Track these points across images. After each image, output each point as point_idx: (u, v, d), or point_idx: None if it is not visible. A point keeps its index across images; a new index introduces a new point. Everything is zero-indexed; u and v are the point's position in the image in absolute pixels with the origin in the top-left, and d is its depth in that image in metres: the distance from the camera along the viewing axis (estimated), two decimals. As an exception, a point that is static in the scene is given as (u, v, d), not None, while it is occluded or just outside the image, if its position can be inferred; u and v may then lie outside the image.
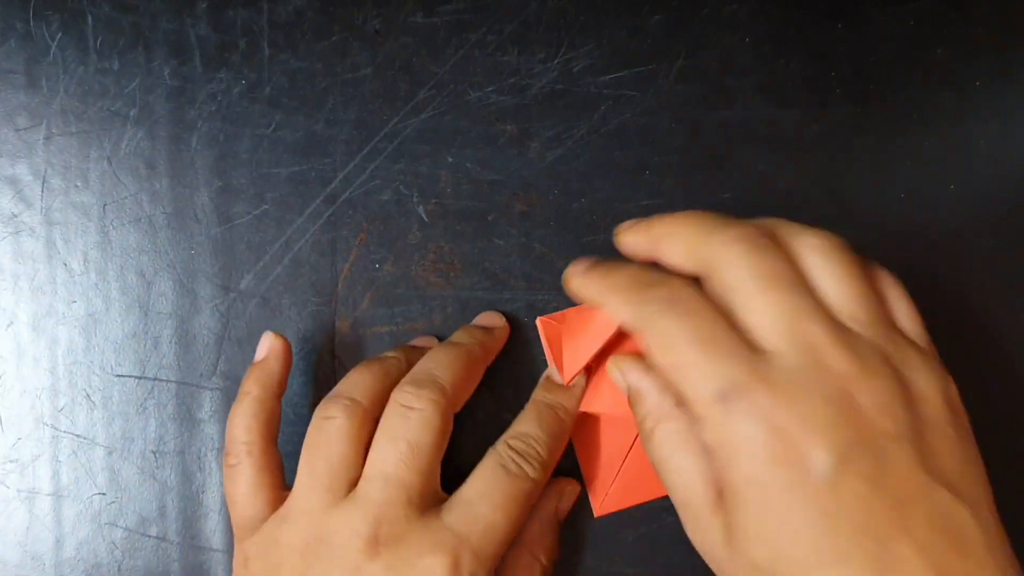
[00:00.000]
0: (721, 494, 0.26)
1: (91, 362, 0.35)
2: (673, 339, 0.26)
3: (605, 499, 0.34)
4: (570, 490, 0.34)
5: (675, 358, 0.26)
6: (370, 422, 0.31)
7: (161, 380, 0.35)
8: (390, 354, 0.33)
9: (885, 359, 0.25)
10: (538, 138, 0.36)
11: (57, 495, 0.35)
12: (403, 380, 0.31)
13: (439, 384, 0.31)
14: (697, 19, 0.36)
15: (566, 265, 0.35)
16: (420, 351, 0.34)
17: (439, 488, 0.31)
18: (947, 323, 0.36)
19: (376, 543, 0.28)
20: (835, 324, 0.25)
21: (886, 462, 0.24)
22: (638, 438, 0.34)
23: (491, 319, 0.35)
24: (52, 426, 0.35)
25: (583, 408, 0.34)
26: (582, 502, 0.35)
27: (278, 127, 0.36)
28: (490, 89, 0.36)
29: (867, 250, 0.36)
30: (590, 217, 0.36)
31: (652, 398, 0.29)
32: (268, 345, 0.33)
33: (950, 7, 0.36)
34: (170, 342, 0.35)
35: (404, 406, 0.30)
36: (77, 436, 0.35)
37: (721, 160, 0.36)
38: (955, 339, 0.36)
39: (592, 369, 0.34)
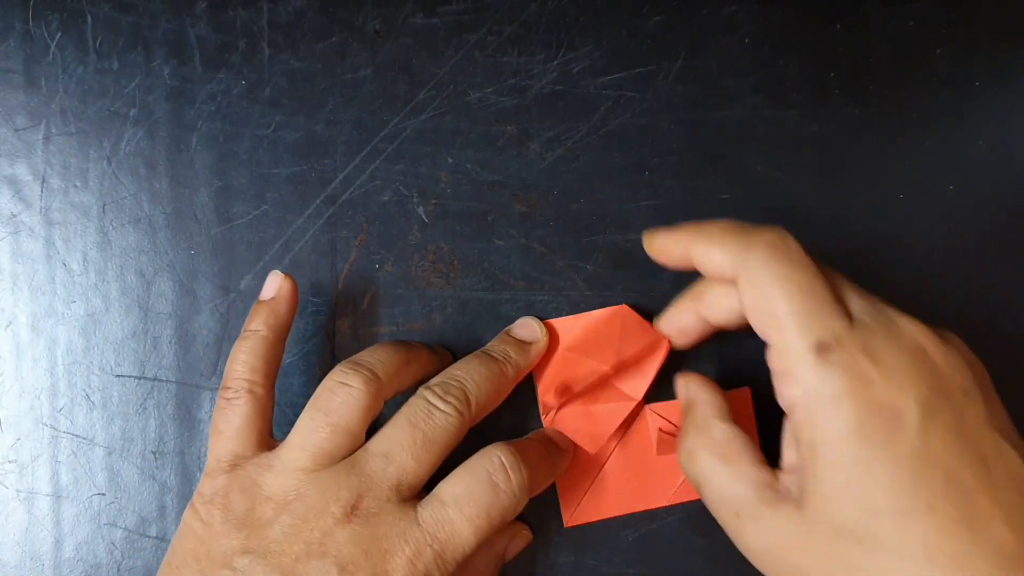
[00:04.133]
0: (773, 487, 0.27)
1: (91, 362, 0.35)
2: (775, 288, 0.26)
3: (576, 510, 0.35)
4: (523, 535, 0.35)
5: (775, 306, 0.26)
6: (382, 400, 0.31)
7: (161, 380, 0.35)
8: (417, 343, 0.34)
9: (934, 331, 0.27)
10: (538, 139, 0.36)
11: (56, 495, 0.35)
12: (435, 380, 0.32)
13: (468, 398, 0.31)
14: (697, 20, 0.36)
15: (566, 265, 0.35)
16: (439, 356, 0.34)
17: (424, 486, 0.31)
18: (947, 323, 0.36)
19: (352, 513, 0.28)
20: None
21: (964, 416, 0.25)
22: (614, 452, 0.34)
23: (531, 331, 0.34)
24: (51, 426, 0.35)
25: (560, 425, 0.34)
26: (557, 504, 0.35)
27: (278, 127, 0.36)
28: (490, 90, 0.36)
29: (867, 250, 0.36)
30: (590, 217, 0.36)
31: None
32: (277, 285, 0.32)
33: (950, 7, 0.36)
34: (170, 342, 0.35)
35: (430, 402, 0.30)
36: (76, 436, 0.35)
37: (720, 160, 0.36)
38: (955, 339, 0.36)
39: (575, 389, 0.34)
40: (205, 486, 0.30)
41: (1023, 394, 0.36)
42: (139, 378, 0.35)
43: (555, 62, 0.36)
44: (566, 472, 0.34)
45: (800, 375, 0.25)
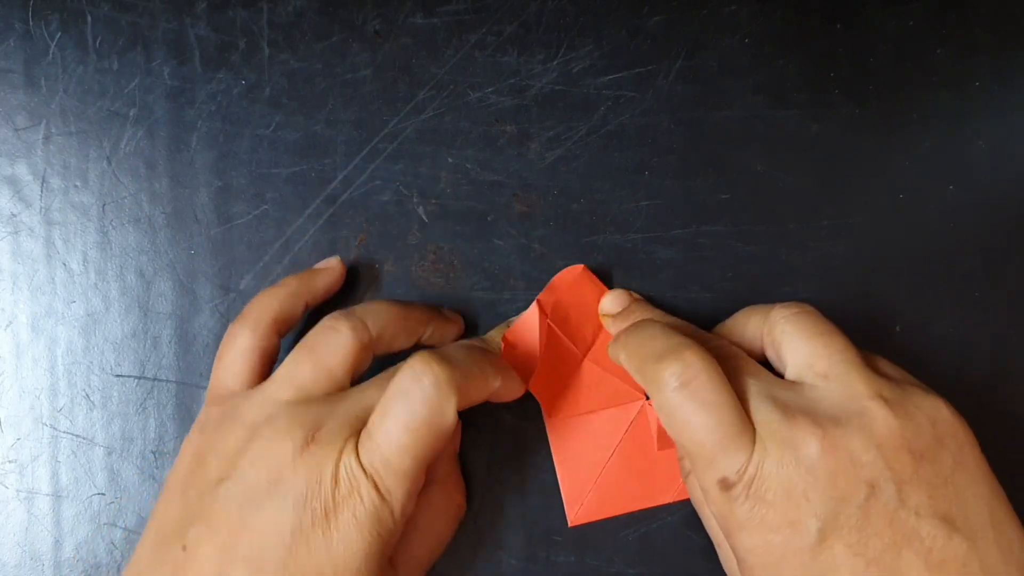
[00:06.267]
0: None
1: (90, 362, 0.35)
2: (683, 423, 0.28)
3: (580, 509, 0.34)
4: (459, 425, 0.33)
5: (683, 440, 0.28)
6: (370, 353, 0.31)
7: (161, 380, 0.35)
8: (415, 303, 0.34)
9: (856, 407, 0.27)
10: (538, 139, 0.36)
11: (56, 495, 0.35)
12: (427, 349, 0.31)
13: (452, 364, 0.29)
14: (697, 20, 0.36)
15: (566, 265, 0.35)
16: (443, 319, 0.34)
17: None
18: (947, 323, 0.36)
19: (311, 440, 0.28)
20: (798, 396, 0.28)
21: (869, 511, 0.25)
22: (617, 449, 0.35)
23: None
24: (51, 426, 0.35)
25: (565, 415, 0.34)
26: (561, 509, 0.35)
27: (278, 127, 0.36)
28: (490, 90, 0.36)
29: (867, 250, 0.36)
30: (590, 217, 0.36)
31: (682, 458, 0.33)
32: (328, 263, 0.35)
33: (950, 7, 0.36)
34: (170, 342, 0.35)
35: (412, 366, 0.28)
36: (76, 436, 0.35)
37: (720, 160, 0.36)
38: (955, 339, 0.36)
39: (574, 370, 0.34)
40: (200, 416, 0.31)
41: (1022, 394, 0.36)
42: (139, 378, 0.35)
43: (555, 62, 0.36)
44: (569, 471, 0.34)
45: (712, 501, 0.28)
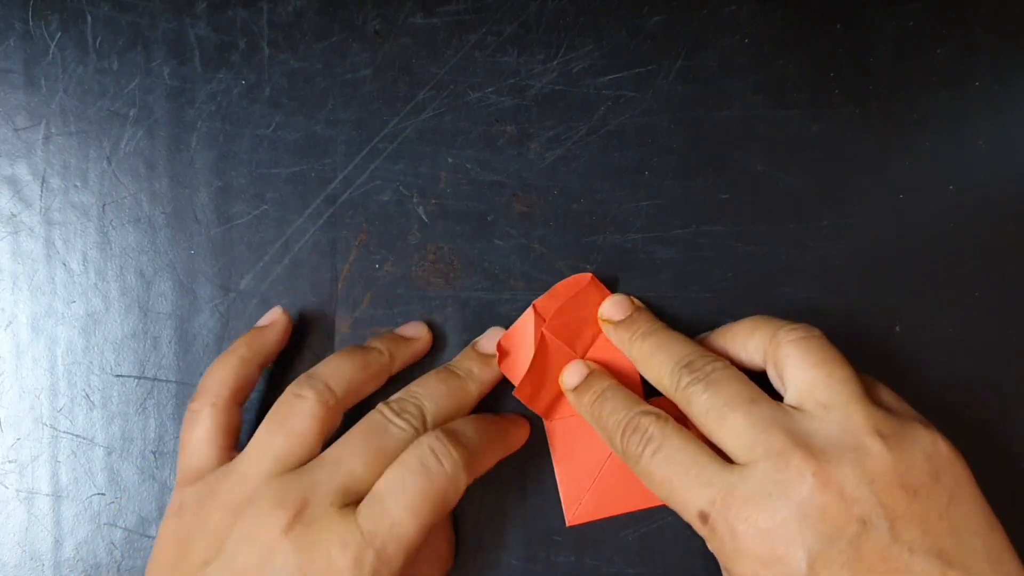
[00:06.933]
0: None
1: (90, 362, 0.35)
2: (652, 475, 0.29)
3: (578, 509, 0.34)
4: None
5: (659, 491, 0.29)
6: (339, 412, 0.32)
7: (161, 380, 0.35)
8: (376, 344, 0.34)
9: (853, 442, 0.27)
10: (538, 139, 0.36)
11: (56, 495, 0.35)
12: (394, 396, 0.32)
13: (424, 416, 0.31)
14: (697, 20, 0.36)
15: (566, 265, 0.35)
16: (405, 343, 0.34)
17: None
18: (947, 323, 0.36)
19: (296, 519, 0.28)
20: (796, 425, 0.28)
21: (861, 547, 0.25)
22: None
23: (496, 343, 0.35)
24: (51, 426, 0.35)
25: (562, 415, 0.34)
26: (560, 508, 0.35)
27: (278, 127, 0.36)
28: (490, 90, 0.36)
29: (867, 250, 0.36)
30: (589, 217, 0.36)
31: None
32: (273, 317, 0.34)
33: (950, 7, 0.36)
34: (170, 342, 0.35)
35: (386, 417, 0.31)
36: (76, 436, 0.35)
37: (720, 160, 0.36)
38: (955, 339, 0.36)
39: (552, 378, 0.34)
40: (174, 499, 0.31)
41: (1022, 395, 0.36)
42: (139, 378, 0.35)
43: (555, 62, 0.36)
44: (567, 471, 0.34)
45: (705, 539, 0.28)
